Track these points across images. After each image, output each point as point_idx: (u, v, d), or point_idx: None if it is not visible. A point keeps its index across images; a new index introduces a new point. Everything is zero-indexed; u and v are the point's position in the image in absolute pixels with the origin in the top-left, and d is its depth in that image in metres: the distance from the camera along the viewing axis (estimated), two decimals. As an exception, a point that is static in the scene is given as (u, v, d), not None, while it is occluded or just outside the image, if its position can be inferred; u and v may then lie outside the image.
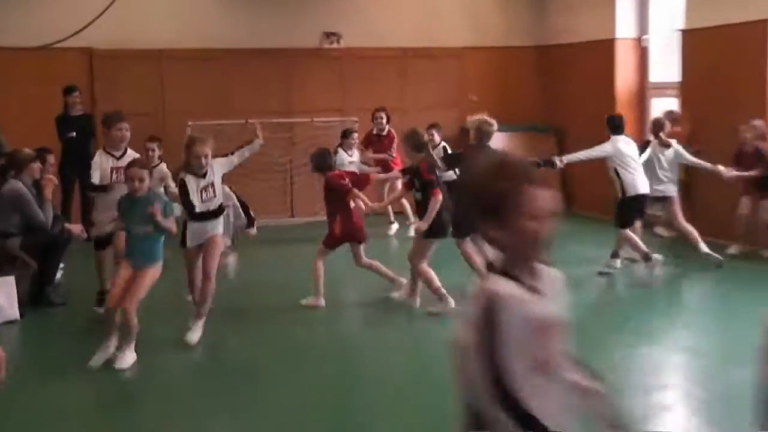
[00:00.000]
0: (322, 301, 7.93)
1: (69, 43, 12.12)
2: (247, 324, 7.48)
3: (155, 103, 12.80)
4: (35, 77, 12.20)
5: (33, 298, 8.00)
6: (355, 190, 7.99)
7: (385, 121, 11.93)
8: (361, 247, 8.05)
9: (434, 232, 7.53)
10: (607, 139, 9.16)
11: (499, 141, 13.20)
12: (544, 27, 14.01)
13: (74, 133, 11.33)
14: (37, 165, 8.37)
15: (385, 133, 11.90)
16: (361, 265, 8.09)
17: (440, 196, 7.44)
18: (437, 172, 7.72)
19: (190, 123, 12.27)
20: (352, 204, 8.04)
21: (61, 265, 8.60)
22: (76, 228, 8.56)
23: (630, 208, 9.10)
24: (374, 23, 13.54)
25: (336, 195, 7.94)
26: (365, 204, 8.22)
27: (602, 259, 9.32)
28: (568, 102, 13.48)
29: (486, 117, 7.86)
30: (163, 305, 7.68)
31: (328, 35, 13.40)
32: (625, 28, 12.42)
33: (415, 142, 7.64)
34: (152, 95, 12.80)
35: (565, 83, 13.57)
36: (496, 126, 7.87)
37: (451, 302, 7.44)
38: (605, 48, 12.48)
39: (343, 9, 13.48)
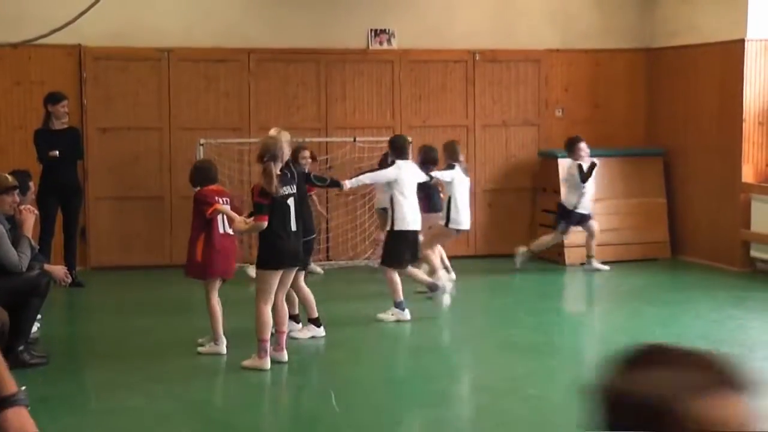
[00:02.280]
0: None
1: (53, 39, 12.06)
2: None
3: (159, 115, 12.74)
4: (10, 81, 12.22)
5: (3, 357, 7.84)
6: None
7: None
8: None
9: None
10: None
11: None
12: (652, 25, 13.83)
13: (57, 152, 11.27)
14: (13, 197, 8.25)
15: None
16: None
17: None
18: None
19: (202, 141, 12.24)
20: None
21: (39, 317, 8.46)
22: (59, 270, 8.42)
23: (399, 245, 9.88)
24: (434, 19, 13.42)
25: None
26: None
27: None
28: (681, 119, 13.29)
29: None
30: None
31: (377, 33, 13.31)
32: (758, 26, 12.12)
33: None
34: (156, 105, 12.75)
35: (678, 95, 13.39)
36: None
37: None
38: (732, 50, 12.25)
39: (396, 1, 13.39)
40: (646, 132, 13.99)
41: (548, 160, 13.39)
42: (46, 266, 8.39)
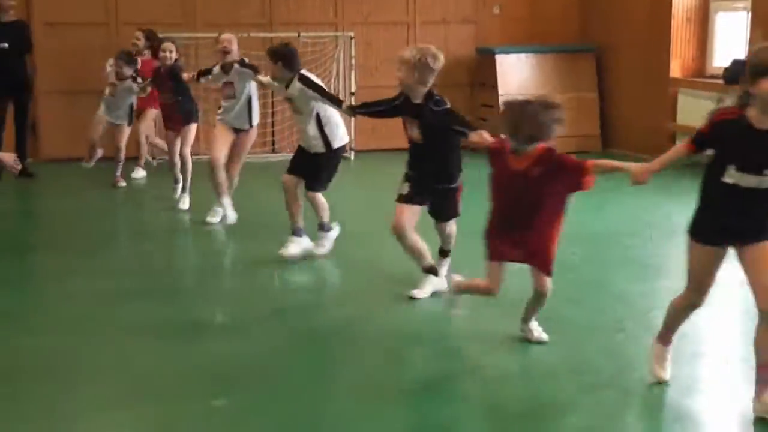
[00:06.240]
0: None
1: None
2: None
3: (106, 10, 12.52)
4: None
5: (-46, 243, 7.81)
6: None
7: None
8: None
9: None
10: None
11: (528, 65, 13.23)
12: None
13: (6, 45, 11.06)
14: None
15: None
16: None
17: None
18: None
19: (148, 35, 12.03)
20: None
21: (-10, 205, 8.39)
22: (8, 157, 8.26)
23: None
24: None
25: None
26: None
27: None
28: (613, 16, 13.31)
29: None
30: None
31: (319, -72, 13.09)
32: None
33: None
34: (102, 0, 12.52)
35: (610, -8, 13.38)
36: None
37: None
38: (661, -53, 12.19)
39: None
40: (580, 29, 13.97)
41: (486, 57, 13.38)
42: (-4, 154, 8.27)
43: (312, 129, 7.51)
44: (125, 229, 9.41)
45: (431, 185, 6.52)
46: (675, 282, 7.05)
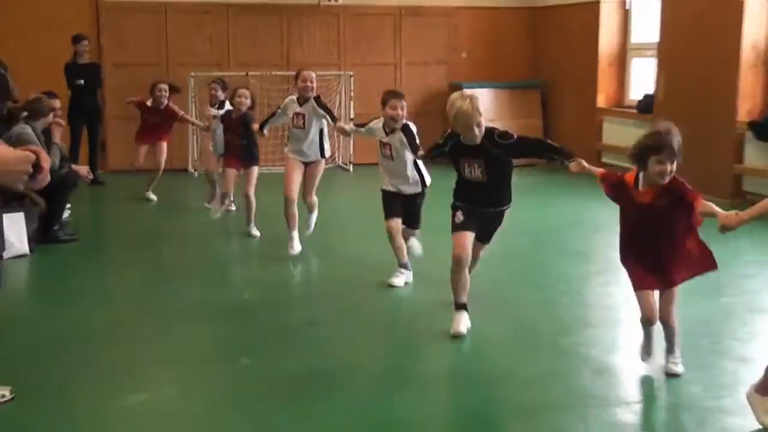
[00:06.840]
0: None
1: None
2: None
3: (159, 54, 12.52)
4: (44, 25, 11.92)
5: (41, 235, 7.81)
6: None
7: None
8: None
9: None
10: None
11: (489, 97, 13.26)
12: (534, -12, 13.74)
13: (82, 81, 11.08)
14: (51, 117, 8.13)
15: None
16: None
17: None
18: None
19: (192, 73, 12.06)
20: None
21: (68, 205, 8.40)
22: (83, 169, 8.35)
23: None
24: (370, -17, 13.25)
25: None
26: None
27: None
28: (554, 60, 13.35)
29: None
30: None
31: (327, -7, 13.08)
32: (610, -10, 12.14)
33: None
34: (157, 46, 12.53)
35: (552, 42, 13.42)
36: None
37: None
38: (591, 9, 12.27)
39: (341, -33, 13.17)
40: (529, 70, 13.98)
41: (456, 90, 13.36)
42: (73, 166, 8.32)
43: (411, 171, 6.38)
44: (173, 224, 9.36)
45: (484, 211, 5.44)
46: (601, 266, 7.14)
